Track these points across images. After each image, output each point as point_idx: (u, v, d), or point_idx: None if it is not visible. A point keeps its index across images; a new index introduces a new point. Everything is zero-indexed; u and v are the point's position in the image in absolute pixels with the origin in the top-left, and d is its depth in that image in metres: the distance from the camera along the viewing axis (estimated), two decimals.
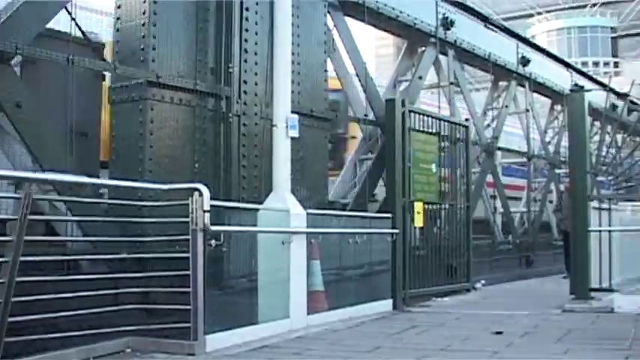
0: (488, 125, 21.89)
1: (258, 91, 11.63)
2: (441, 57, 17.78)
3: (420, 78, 17.05)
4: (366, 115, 14.99)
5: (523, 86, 22.74)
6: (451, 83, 17.99)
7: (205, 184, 7.99)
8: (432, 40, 17.22)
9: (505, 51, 21.31)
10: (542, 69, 23.56)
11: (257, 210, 9.79)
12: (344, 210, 13.87)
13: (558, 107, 25.68)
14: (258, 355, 7.87)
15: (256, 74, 11.63)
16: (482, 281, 15.92)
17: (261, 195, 10.99)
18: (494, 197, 21.01)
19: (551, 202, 24.66)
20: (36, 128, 9.17)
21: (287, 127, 10.22)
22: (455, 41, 18.12)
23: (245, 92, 11.44)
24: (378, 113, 14.74)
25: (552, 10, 75.65)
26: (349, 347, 8.35)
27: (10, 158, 9.61)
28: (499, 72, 21.57)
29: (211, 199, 7.91)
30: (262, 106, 11.62)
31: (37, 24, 9.36)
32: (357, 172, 16.56)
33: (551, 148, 24.96)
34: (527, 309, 11.67)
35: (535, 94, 24.10)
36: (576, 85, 24.35)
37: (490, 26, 21.04)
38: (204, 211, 7.80)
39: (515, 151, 23.21)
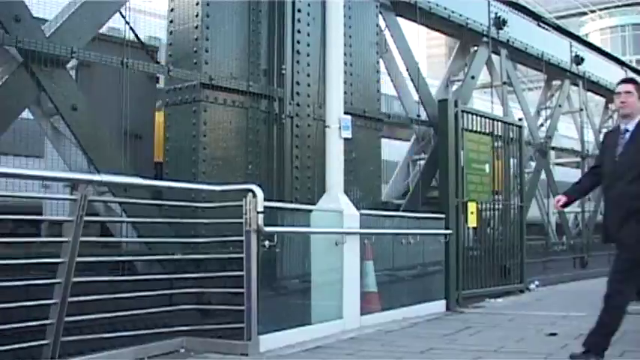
0: (542, 125, 21.71)
1: (310, 92, 11.65)
2: (493, 56, 17.67)
3: (473, 78, 16.95)
4: (418, 116, 14.96)
5: (577, 85, 22.50)
6: (504, 83, 17.86)
7: (259, 186, 8.02)
8: (485, 39, 17.13)
9: (558, 50, 21.12)
10: (596, 67, 23.31)
11: (310, 211, 9.81)
12: (397, 211, 13.84)
13: (613, 106, 25.40)
14: (312, 356, 7.88)
15: (309, 75, 11.65)
16: (537, 282, 15.81)
17: (314, 196, 11.00)
18: (548, 197, 20.85)
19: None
20: (91, 130, 9.26)
21: (340, 127, 10.22)
22: (507, 40, 18.01)
23: (298, 93, 11.47)
24: (430, 113, 14.69)
25: (606, 8, 74.73)
26: (402, 348, 8.33)
27: (66, 160, 9.72)
28: (552, 71, 21.37)
29: (265, 200, 7.94)
30: (315, 107, 11.64)
31: (92, 27, 9.46)
32: (410, 172, 16.51)
33: None
34: (582, 310, 11.54)
35: (589, 93, 23.84)
36: None
37: (543, 25, 20.87)
38: (258, 212, 7.81)
39: (569, 150, 23.00)
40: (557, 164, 24.93)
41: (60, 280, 6.53)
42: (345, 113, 10.48)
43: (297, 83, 11.49)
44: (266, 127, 11.17)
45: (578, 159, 23.05)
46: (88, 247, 7.26)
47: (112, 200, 9.10)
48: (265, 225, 7.90)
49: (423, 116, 14.98)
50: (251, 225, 7.81)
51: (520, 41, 18.69)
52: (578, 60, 22.03)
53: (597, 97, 26.03)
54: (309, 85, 11.63)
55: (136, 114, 9.96)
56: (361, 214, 10.13)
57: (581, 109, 22.73)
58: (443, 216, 12.32)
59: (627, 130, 7.20)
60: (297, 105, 11.45)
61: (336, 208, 9.87)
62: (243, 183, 9.17)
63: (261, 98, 11.09)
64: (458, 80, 17.67)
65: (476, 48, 17.34)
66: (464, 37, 17.40)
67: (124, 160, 9.48)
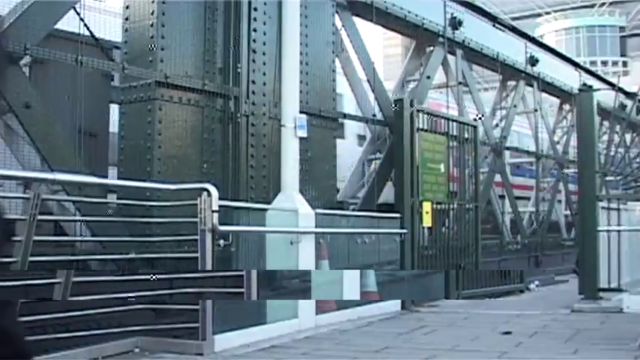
0: (497, 125, 21.87)
1: (266, 91, 11.64)
2: (449, 57, 17.77)
3: (429, 78, 17.06)
4: (374, 115, 14.99)
5: (531, 86, 22.73)
6: (459, 83, 17.99)
7: (214, 185, 7.99)
8: (440, 39, 17.22)
9: (513, 51, 21.32)
10: (550, 68, 23.55)
11: (265, 210, 9.80)
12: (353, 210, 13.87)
13: (567, 107, 25.69)
14: (267, 355, 7.88)
15: (264, 74, 11.64)
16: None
17: (269, 195, 11.00)
18: (502, 197, 21.02)
19: (559, 201, 24.65)
20: (45, 128, 9.19)
21: (295, 127, 10.23)
22: (463, 41, 18.13)
23: (253, 92, 11.45)
24: (386, 113, 14.74)
25: (561, 10, 75.41)
26: (358, 347, 8.35)
27: (20, 159, 9.63)
28: (507, 71, 21.57)
29: (220, 199, 7.92)
30: (270, 106, 11.63)
31: (45, 24, 9.37)
32: (365, 172, 16.55)
33: (559, 148, 24.93)
34: (536, 309, 11.66)
35: (544, 94, 24.06)
36: (585, 84, 24.30)
37: (498, 26, 21.03)
38: (213, 211, 7.79)
39: (523, 150, 23.20)
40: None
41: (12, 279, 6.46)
42: (301, 112, 10.48)
43: (253, 82, 11.48)
44: (221, 126, 11.15)
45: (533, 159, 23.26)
46: (42, 246, 7.19)
47: (65, 199, 9.03)
48: (220, 224, 7.88)
49: (379, 116, 15.02)
50: (206, 224, 7.78)
51: (476, 42, 18.84)
52: (533, 61, 22.22)
53: (552, 98, 26.27)
54: (264, 84, 11.62)
55: (91, 112, 9.89)
56: (316, 214, 10.14)
57: (536, 110, 22.94)
58: (398, 215, 12.36)
59: None
60: (253, 104, 11.44)
61: (292, 207, 9.87)
62: (198, 182, 9.14)
63: (216, 97, 11.06)
64: (414, 80, 17.75)
65: (432, 48, 17.45)
66: (420, 37, 17.48)
67: (78, 158, 9.40)
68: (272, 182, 11.22)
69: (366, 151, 16.81)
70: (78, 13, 9.88)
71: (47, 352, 6.84)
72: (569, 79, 24.72)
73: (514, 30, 22.26)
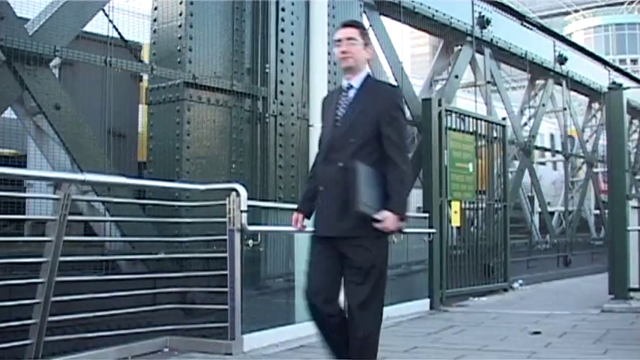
0: (525, 124, 21.76)
1: (294, 91, 11.64)
2: (477, 56, 17.71)
3: (457, 77, 16.97)
4: None
5: (560, 84, 22.56)
6: (487, 82, 17.90)
7: (242, 185, 8.01)
8: (468, 38, 17.16)
9: (542, 49, 21.17)
10: (579, 67, 23.38)
11: (294, 210, 9.79)
12: None
13: (596, 105, 25.49)
14: (296, 355, 7.88)
15: (292, 74, 11.64)
16: (521, 281, 15.86)
17: (298, 195, 10.99)
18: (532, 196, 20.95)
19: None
20: (74, 130, 9.24)
21: None
22: (491, 40, 18.04)
23: (282, 92, 11.46)
24: (414, 113, 14.71)
25: (589, 8, 74.99)
26: (386, 347, 8.31)
27: (50, 160, 9.69)
28: (536, 70, 21.41)
29: (248, 199, 7.93)
30: (299, 106, 11.64)
31: (75, 26, 9.42)
32: None
33: (588, 147, 24.80)
34: (566, 309, 11.61)
35: (572, 93, 23.91)
36: (614, 82, 24.08)
37: (527, 24, 20.92)
38: (242, 211, 7.80)
39: (552, 150, 23.08)
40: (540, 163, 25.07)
41: (43, 279, 6.51)
42: None
43: (281, 82, 11.47)
44: (250, 126, 11.17)
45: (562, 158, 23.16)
46: (72, 246, 7.24)
47: (95, 200, 9.08)
48: (249, 224, 7.90)
49: (407, 115, 14.99)
50: (234, 224, 7.79)
51: (504, 40, 18.73)
52: (562, 59, 22.08)
53: (580, 97, 26.11)
54: (292, 84, 11.61)
55: (120, 113, 9.94)
56: None
57: (565, 109, 22.79)
58: (427, 215, 12.34)
59: (351, 87, 5.57)
60: (281, 104, 11.44)
61: None
62: (226, 182, 9.17)
63: (244, 97, 11.07)
64: (442, 79, 17.69)
65: (460, 47, 17.37)
66: (448, 36, 17.42)
67: (107, 159, 9.46)
68: (300, 182, 11.21)
69: None
70: (107, 15, 9.94)
71: (77, 352, 6.90)
72: (599, 77, 24.54)
73: (542, 28, 22.12)
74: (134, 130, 11.23)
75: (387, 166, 5.21)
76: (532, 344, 8.34)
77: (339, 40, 5.50)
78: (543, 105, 21.85)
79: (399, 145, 5.28)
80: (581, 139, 24.32)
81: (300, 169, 11.26)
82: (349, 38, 5.48)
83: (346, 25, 5.62)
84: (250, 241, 8.04)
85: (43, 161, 9.76)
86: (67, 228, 6.67)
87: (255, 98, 11.20)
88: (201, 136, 10.43)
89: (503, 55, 19.36)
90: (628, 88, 18.63)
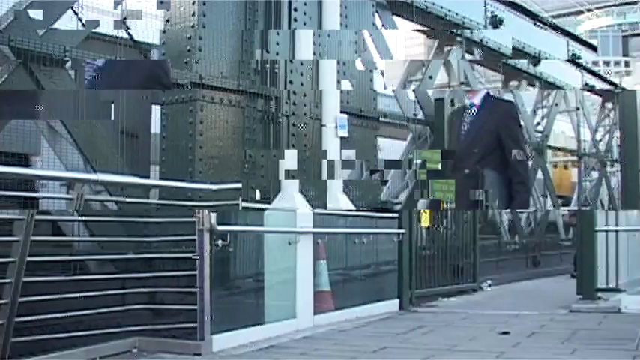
0: (538, 124, 21.74)
1: (307, 91, 11.63)
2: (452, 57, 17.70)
3: (430, 77, 16.96)
4: (415, 115, 14.97)
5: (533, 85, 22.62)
6: (461, 83, 17.90)
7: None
8: (458, 39, 17.08)
9: (555, 49, 21.14)
10: (593, 66, 23.32)
11: (264, 210, 9.80)
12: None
13: (609, 105, 25.48)
14: (265, 355, 7.88)
15: (302, 74, 11.62)
16: (489, 281, 15.91)
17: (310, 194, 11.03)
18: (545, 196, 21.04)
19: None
20: (87, 130, 9.21)
21: (336, 126, 10.25)
22: (481, 40, 18.01)
23: (294, 92, 11.44)
24: (427, 112, 14.73)
25: (602, 7, 74.89)
26: (356, 347, 8.35)
27: (63, 160, 9.64)
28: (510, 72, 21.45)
29: (266, 199, 7.94)
30: (311, 106, 11.62)
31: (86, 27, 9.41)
32: (406, 171, 16.50)
33: (601, 147, 24.81)
34: (534, 309, 11.66)
35: (585, 92, 23.87)
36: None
37: (539, 24, 20.90)
38: (210, 212, 7.80)
39: (565, 149, 23.09)
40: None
41: (10, 279, 6.46)
42: (342, 112, 10.49)
43: (291, 82, 11.46)
44: (262, 126, 11.13)
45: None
46: (39, 246, 7.19)
47: (107, 199, 9.06)
48: (218, 224, 7.88)
49: (420, 115, 15.03)
50: (204, 224, 7.78)
51: (517, 40, 18.73)
52: (575, 59, 22.07)
53: (593, 97, 26.08)
54: (302, 85, 11.61)
55: (132, 113, 9.91)
56: (314, 214, 10.13)
57: (578, 108, 22.76)
58: (396, 216, 12.35)
59: (473, 105, 6.16)
60: (294, 104, 11.44)
61: (290, 207, 9.87)
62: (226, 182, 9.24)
63: (257, 97, 11.06)
64: (415, 80, 17.68)
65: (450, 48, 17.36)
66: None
67: (120, 159, 9.43)
68: (313, 182, 11.21)
69: (407, 150, 16.74)
70: (124, 21, 9.91)
71: (45, 352, 6.85)
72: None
73: (555, 28, 22.12)
74: (147, 131, 11.21)
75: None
76: (501, 344, 8.38)
77: None
78: (556, 104, 21.80)
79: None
80: (594, 139, 24.29)
81: (313, 169, 11.25)
82: None
83: None
84: (219, 241, 8.01)
85: (57, 161, 9.72)
86: (35, 228, 6.63)
87: (267, 98, 11.19)
88: (214, 136, 10.44)
89: (516, 54, 19.25)
90: None
